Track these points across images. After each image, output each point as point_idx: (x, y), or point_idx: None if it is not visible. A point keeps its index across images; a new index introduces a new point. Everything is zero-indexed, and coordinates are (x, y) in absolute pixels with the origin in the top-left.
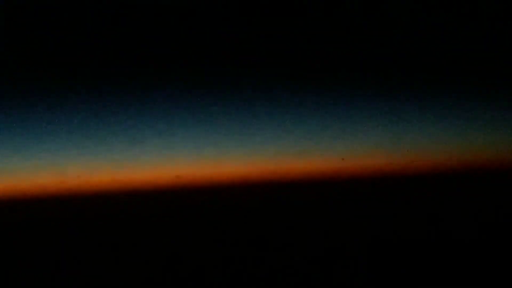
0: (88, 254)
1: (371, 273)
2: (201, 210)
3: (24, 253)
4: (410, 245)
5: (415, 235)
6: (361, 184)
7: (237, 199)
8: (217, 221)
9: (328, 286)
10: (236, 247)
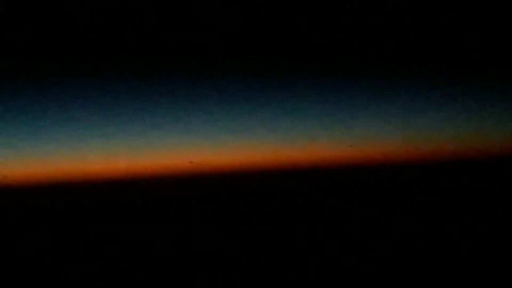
0: (105, 237)
1: (378, 261)
2: (214, 195)
3: (43, 237)
4: (416, 233)
5: (422, 223)
6: (368, 171)
7: (247, 184)
8: (228, 206)
9: (340, 271)
10: (246, 233)
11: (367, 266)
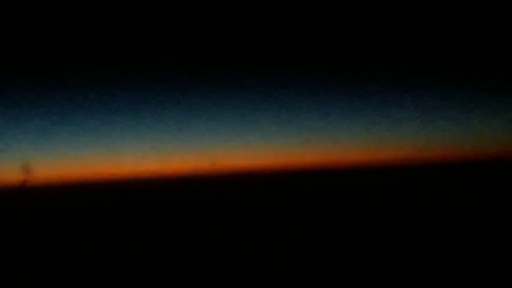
0: (132, 235)
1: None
2: (236, 195)
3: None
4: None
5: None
6: (387, 174)
7: (266, 186)
8: (249, 207)
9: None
10: (266, 232)
11: (375, 267)
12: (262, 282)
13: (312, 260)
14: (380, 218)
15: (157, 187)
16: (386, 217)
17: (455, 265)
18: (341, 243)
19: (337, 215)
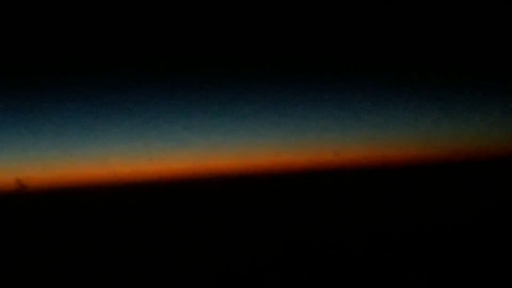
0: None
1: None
2: (229, 196)
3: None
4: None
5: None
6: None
7: (238, 189)
8: (242, 208)
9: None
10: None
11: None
12: (257, 281)
13: (305, 259)
14: (378, 217)
15: (148, 188)
16: (383, 217)
17: (454, 264)
18: (336, 243)
19: (332, 215)
